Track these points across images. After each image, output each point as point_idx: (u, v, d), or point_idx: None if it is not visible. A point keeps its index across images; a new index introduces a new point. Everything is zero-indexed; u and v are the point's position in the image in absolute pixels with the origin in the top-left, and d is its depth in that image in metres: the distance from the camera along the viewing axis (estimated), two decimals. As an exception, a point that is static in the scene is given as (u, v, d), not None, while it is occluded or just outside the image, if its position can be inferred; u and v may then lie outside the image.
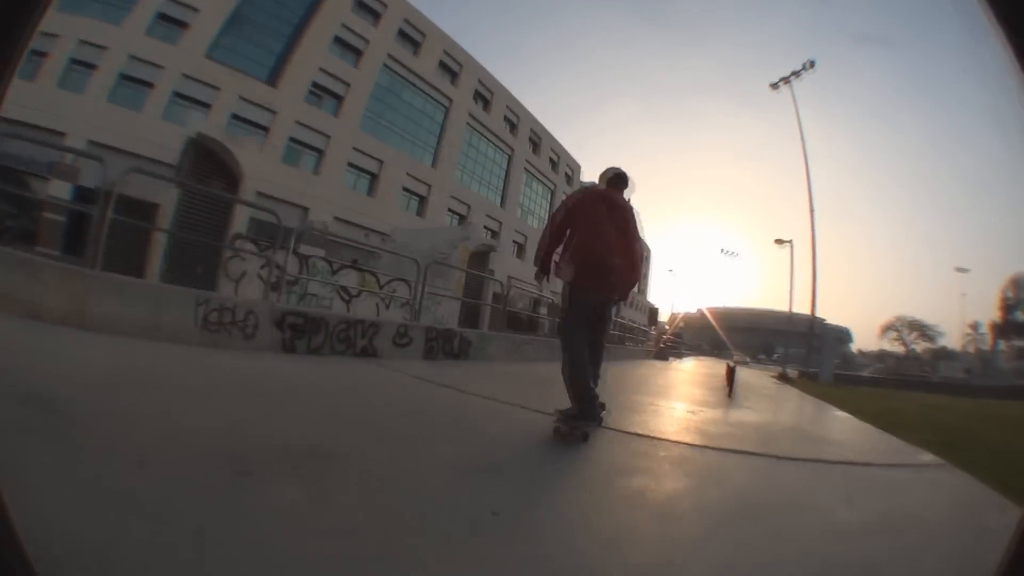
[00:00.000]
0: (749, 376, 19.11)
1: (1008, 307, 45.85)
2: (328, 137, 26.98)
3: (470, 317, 15.22)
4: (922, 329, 48.99)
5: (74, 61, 21.90)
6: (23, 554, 0.94)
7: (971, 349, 47.26)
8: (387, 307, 11.96)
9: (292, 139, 26.27)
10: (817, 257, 24.58)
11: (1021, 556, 1.03)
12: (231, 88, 25.05)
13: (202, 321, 5.21)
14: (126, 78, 22.78)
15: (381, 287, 11.59)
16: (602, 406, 3.79)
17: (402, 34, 29.53)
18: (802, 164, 26.51)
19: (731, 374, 9.04)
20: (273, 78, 26.38)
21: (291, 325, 5.91)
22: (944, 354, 48.89)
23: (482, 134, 33.72)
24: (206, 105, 24.40)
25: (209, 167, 10.55)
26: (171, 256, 9.57)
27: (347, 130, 27.40)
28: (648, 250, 59.75)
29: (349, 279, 11.67)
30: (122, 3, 23.35)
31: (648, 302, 56.24)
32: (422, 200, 30.31)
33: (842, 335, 27.48)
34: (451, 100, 31.51)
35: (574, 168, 42.68)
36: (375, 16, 28.64)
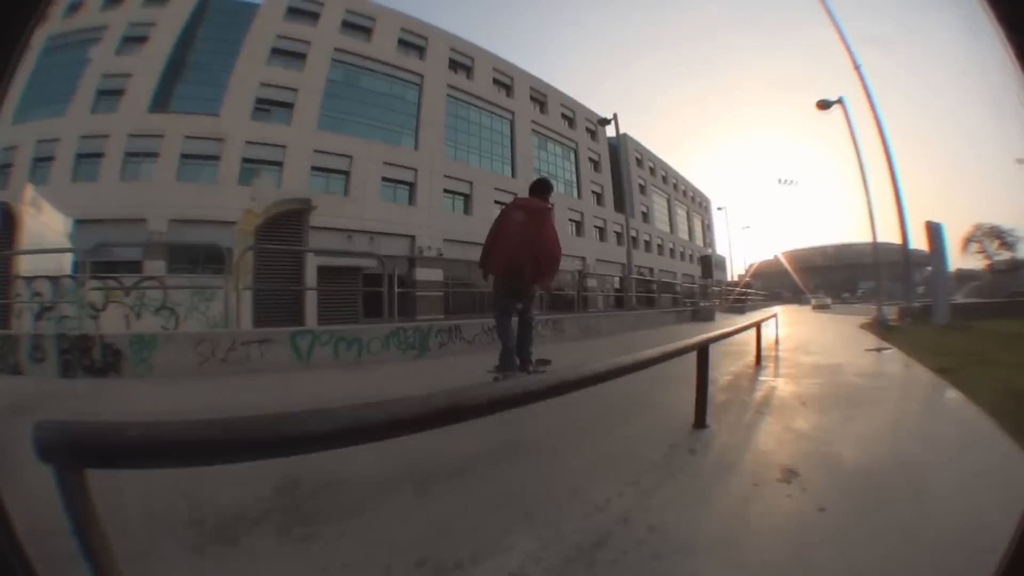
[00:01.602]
0: (827, 330, 13.58)
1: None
2: (283, 147, 24.13)
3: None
4: (1001, 236, 36.32)
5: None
6: (23, 554, 0.96)
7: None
8: (137, 317, 9.24)
9: (245, 159, 23.80)
10: (880, 118, 16.14)
11: (1021, 556, 1.06)
12: (176, 132, 23.62)
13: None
14: (83, 156, 22.85)
15: (127, 293, 9.26)
16: (546, 362, 5.50)
17: (347, 24, 26.78)
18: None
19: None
20: (216, 108, 24.50)
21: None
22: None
23: (469, 103, 29.29)
24: (155, 155, 23.46)
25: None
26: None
27: (303, 134, 24.39)
28: (707, 199, 54.59)
29: (95, 293, 9.28)
30: (64, 92, 23.82)
31: (707, 251, 47.40)
32: (411, 187, 25.92)
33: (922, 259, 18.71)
34: (422, 76, 27.68)
35: (594, 121, 36.78)
36: (313, 16, 26.30)
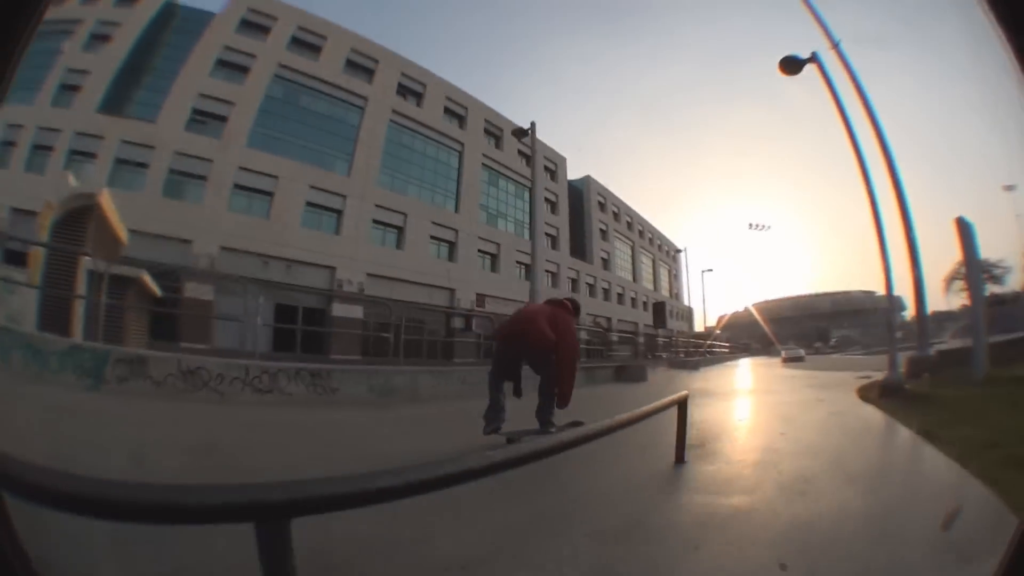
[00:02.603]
0: (810, 408, 8.21)
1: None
2: (210, 161, 24.07)
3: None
4: (989, 270, 32.64)
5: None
6: (23, 554, 0.95)
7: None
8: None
9: (172, 170, 23.88)
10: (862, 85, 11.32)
11: (1021, 557, 1.09)
12: (114, 136, 23.96)
13: None
14: (38, 147, 22.80)
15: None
16: (577, 424, 4.59)
17: (296, 41, 26.52)
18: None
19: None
20: (154, 115, 24.70)
21: None
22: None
23: (414, 131, 28.52)
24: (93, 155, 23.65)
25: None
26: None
27: (230, 150, 24.33)
28: (675, 248, 52.26)
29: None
30: (36, 80, 24.30)
31: (663, 298, 45.03)
32: (339, 215, 25.45)
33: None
34: (366, 99, 27.17)
35: (557, 161, 35.28)
36: (265, 30, 26.15)
